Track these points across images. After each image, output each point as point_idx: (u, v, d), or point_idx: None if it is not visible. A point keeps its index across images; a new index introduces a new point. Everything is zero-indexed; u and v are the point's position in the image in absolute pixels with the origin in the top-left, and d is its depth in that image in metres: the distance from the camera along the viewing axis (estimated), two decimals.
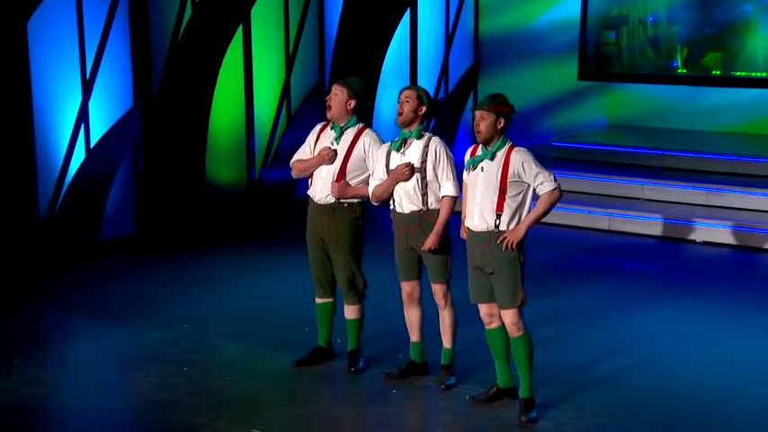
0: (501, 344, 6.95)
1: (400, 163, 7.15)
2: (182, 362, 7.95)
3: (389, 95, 14.36)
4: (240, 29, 12.75)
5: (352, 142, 7.44)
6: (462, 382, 7.40)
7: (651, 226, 11.92)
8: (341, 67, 13.94)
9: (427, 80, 15.12)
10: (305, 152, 7.62)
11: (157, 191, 12.02)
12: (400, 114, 7.15)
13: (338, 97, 7.41)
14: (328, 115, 7.45)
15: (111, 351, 8.33)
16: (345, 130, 7.47)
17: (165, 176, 12.08)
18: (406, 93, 7.18)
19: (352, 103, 7.45)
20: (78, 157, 11.20)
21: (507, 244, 6.65)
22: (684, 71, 14.80)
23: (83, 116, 11.20)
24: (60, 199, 11.05)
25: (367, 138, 7.46)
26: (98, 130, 11.39)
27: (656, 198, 12.49)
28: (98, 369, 7.97)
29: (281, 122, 13.59)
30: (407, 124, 7.16)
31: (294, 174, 7.68)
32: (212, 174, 12.74)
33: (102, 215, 11.54)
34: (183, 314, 9.12)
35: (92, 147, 11.33)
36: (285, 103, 13.61)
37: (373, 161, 7.41)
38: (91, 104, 11.27)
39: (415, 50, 14.93)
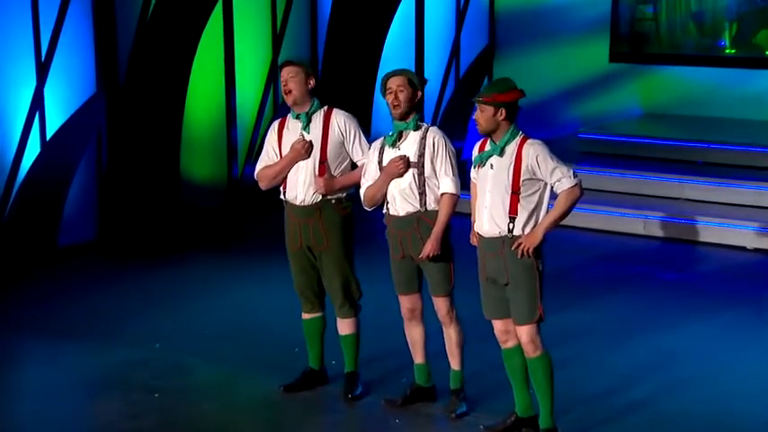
0: (519, 365, 6.97)
1: (394, 156, 7.22)
2: (152, 387, 7.97)
3: None
4: (220, 2, 12.80)
5: (323, 127, 7.50)
6: (475, 410, 7.43)
7: (692, 230, 11.96)
8: (335, 47, 13.98)
9: (435, 63, 15.16)
10: (270, 156, 7.65)
11: (124, 190, 12.06)
12: (396, 107, 7.18)
13: (296, 79, 7.46)
14: (290, 100, 7.47)
15: (71, 374, 8.36)
16: (312, 115, 7.54)
17: (133, 173, 12.11)
18: (397, 80, 7.20)
19: (312, 82, 7.51)
20: (32, 151, 11.25)
21: (523, 250, 6.69)
22: (733, 51, 14.83)
23: (37, 104, 11.24)
24: (11, 200, 11.09)
25: (339, 117, 7.53)
26: (55, 119, 11.43)
27: (699, 198, 12.53)
28: (56, 395, 7.98)
29: (267, 111, 13.63)
30: (406, 116, 7.23)
31: (264, 184, 7.69)
32: (188, 170, 12.77)
33: (60, 218, 11.58)
34: (153, 332, 9.16)
35: (48, 139, 11.37)
36: (272, 89, 13.64)
37: (352, 140, 7.49)
38: (47, 90, 11.32)
39: (422, 29, 14.96)
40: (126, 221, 12.07)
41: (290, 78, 7.45)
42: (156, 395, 7.83)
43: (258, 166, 7.69)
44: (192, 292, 10.29)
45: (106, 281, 10.70)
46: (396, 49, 14.62)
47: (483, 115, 6.73)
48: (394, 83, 7.19)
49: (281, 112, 13.54)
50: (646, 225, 12.20)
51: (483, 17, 16.01)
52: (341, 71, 13.97)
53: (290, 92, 7.46)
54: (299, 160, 7.50)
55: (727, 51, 14.85)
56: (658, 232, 12.12)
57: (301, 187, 7.51)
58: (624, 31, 15.34)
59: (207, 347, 8.81)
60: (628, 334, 9.02)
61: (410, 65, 14.61)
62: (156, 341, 8.92)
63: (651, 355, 8.54)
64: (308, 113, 7.51)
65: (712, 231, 11.86)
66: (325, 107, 7.57)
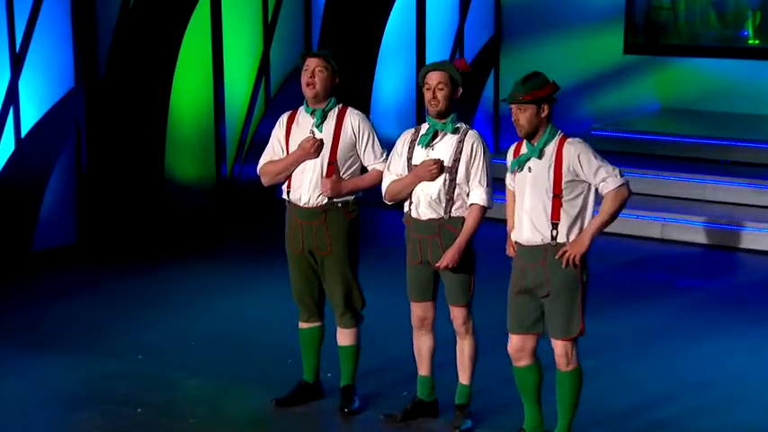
0: (533, 384, 6.95)
1: (428, 158, 7.19)
2: (134, 401, 7.95)
3: (390, 73, 14.39)
4: None
5: (336, 127, 7.49)
6: (480, 427, 7.41)
7: (715, 234, 11.94)
8: (331, 37, 13.96)
9: (438, 55, 15.09)
10: (275, 151, 7.64)
11: (104, 191, 12.04)
12: (435, 105, 7.13)
13: (323, 74, 7.45)
14: (310, 94, 7.46)
15: (48, 388, 8.33)
16: (327, 113, 7.52)
17: (115, 173, 12.09)
18: (438, 76, 7.13)
19: (336, 80, 7.51)
20: (6, 149, 11.22)
21: (569, 258, 6.65)
22: (757, 42, 14.82)
23: (11, 98, 11.22)
24: None
25: (354, 117, 7.51)
26: (31, 115, 11.41)
27: (722, 199, 12.52)
28: (32, 410, 7.97)
29: (257, 107, 13.61)
30: (445, 115, 7.18)
31: (266, 180, 7.69)
32: (173, 170, 12.75)
33: (36, 221, 11.55)
34: (135, 342, 9.14)
35: (23, 136, 11.34)
36: (263, 83, 13.63)
37: (364, 144, 7.47)
38: (21, 84, 11.29)
39: (423, 18, 14.93)
40: (107, 224, 12.06)
41: (318, 72, 7.42)
42: (139, 410, 7.81)
43: (262, 160, 7.68)
44: (177, 300, 10.28)
45: (85, 288, 10.69)
46: (395, 40, 14.60)
47: (525, 116, 6.63)
48: (434, 79, 7.13)
49: (272, 107, 13.53)
50: (663, 229, 12.18)
51: (488, 5, 15.97)
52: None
53: (313, 85, 7.42)
54: (306, 159, 7.47)
55: (751, 42, 14.84)
56: (678, 236, 12.10)
57: (306, 188, 7.49)
58: (640, 21, 15.33)
59: (193, 359, 8.79)
60: (650, 347, 9.01)
61: (411, 57, 14.58)
62: (139, 352, 8.90)
63: (676, 370, 8.53)
64: (323, 111, 7.49)
65: (738, 235, 11.84)
66: (340, 105, 7.55)
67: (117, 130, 12.07)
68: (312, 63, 7.45)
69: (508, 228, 6.94)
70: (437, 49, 15.16)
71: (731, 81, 14.73)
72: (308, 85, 7.46)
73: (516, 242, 6.84)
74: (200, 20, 12.74)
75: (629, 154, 13.62)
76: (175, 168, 12.80)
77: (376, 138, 7.53)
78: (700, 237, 12.00)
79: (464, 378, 7.41)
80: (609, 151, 13.55)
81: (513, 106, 6.67)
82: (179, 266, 11.33)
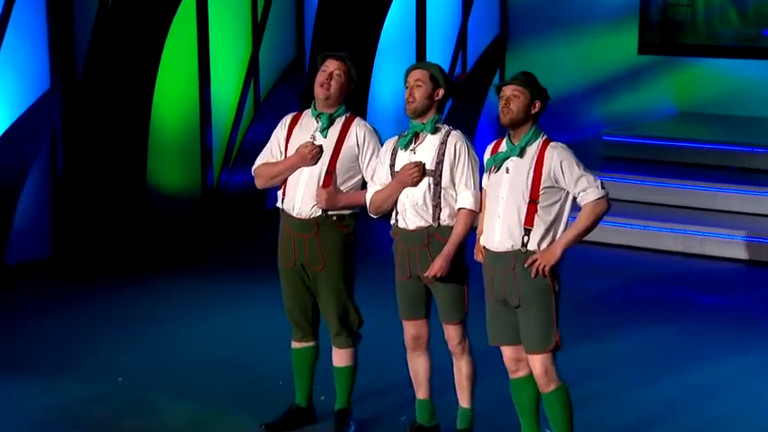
0: (529, 398, 6.95)
1: (408, 162, 7.18)
2: (113, 426, 7.93)
3: (388, 75, 14.39)
4: None
5: (340, 135, 7.47)
6: None
7: (734, 246, 11.93)
8: (325, 37, 13.96)
9: (439, 55, 15.15)
10: (273, 153, 7.63)
11: (82, 200, 12.02)
12: (411, 102, 7.17)
13: (341, 79, 7.45)
14: (322, 96, 7.44)
15: (20, 412, 8.30)
16: (335, 119, 7.51)
17: (93, 181, 12.07)
18: (416, 74, 7.20)
19: (351, 87, 7.52)
20: None
21: (538, 268, 6.65)
22: None
23: None
24: None
25: (360, 128, 7.49)
26: (3, 119, 11.40)
27: (741, 209, 12.52)
28: None
29: (246, 111, 13.61)
30: (420, 114, 7.19)
31: (260, 183, 7.68)
32: (156, 177, 12.74)
33: (9, 232, 11.54)
34: (115, 363, 9.11)
35: None
36: (252, 86, 13.63)
37: (368, 158, 7.45)
38: None
39: (424, 16, 14.96)
40: (85, 236, 12.04)
41: (336, 76, 7.41)
42: None
43: (258, 161, 7.67)
44: (160, 317, 10.27)
45: (62, 304, 10.67)
46: (394, 40, 14.61)
47: (516, 102, 6.68)
48: (412, 76, 7.20)
49: (261, 111, 13.53)
50: (681, 241, 12.17)
51: (493, 2, 16.03)
52: None
53: (327, 87, 7.41)
54: (302, 166, 7.46)
55: None
56: (697, 249, 12.09)
57: (300, 197, 7.47)
58: (655, 19, 15.36)
59: (177, 381, 8.77)
60: (661, 367, 8.99)
61: (410, 57, 14.59)
62: (119, 374, 8.88)
63: (690, 393, 8.52)
64: (331, 116, 7.47)
65: (757, 248, 11.83)
66: (348, 113, 7.54)
67: (96, 136, 12.05)
68: (332, 65, 7.44)
69: (478, 231, 6.95)
70: (439, 50, 15.20)
71: (752, 83, 14.77)
72: (321, 85, 7.43)
73: (485, 247, 6.84)
74: (185, 18, 12.73)
75: (644, 161, 13.66)
76: (159, 176, 12.79)
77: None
78: (720, 250, 11.99)
79: (464, 401, 7.40)
80: (622, 158, 13.70)
81: (507, 89, 6.72)
82: (162, 281, 11.32)
